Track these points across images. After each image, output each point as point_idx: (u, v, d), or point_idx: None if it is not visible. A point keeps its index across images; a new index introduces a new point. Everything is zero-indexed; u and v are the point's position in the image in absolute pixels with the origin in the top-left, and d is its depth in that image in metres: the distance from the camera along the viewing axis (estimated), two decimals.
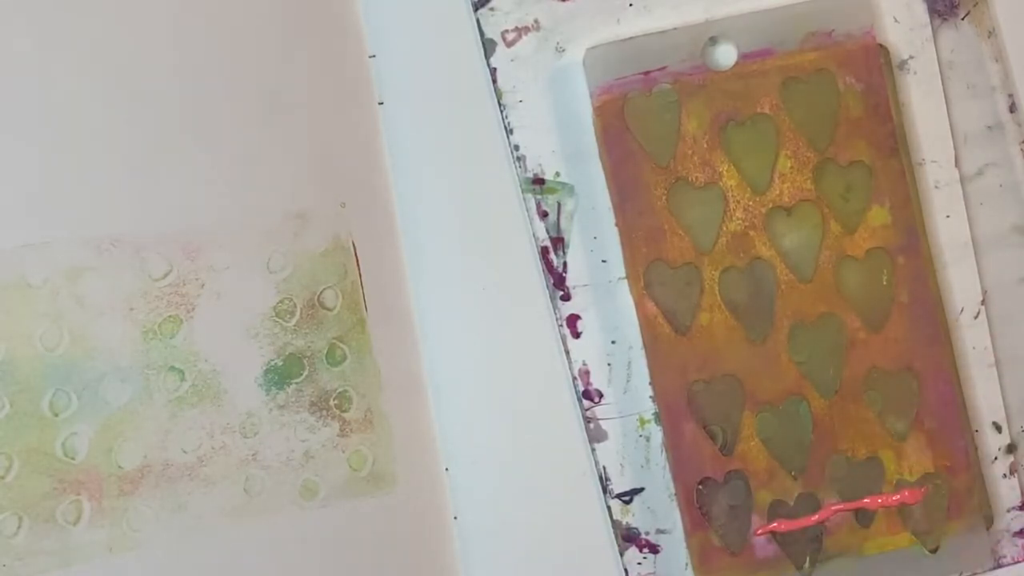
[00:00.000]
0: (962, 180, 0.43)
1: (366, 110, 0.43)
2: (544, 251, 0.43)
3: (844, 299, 0.42)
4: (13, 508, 0.39)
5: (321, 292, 0.42)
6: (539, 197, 0.43)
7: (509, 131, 0.43)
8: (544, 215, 0.43)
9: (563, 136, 0.43)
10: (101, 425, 0.40)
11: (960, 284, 0.43)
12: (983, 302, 0.43)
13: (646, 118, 0.42)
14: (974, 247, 0.43)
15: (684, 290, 0.42)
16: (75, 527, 0.39)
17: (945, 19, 0.43)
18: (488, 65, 0.43)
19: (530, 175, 0.43)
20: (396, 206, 0.43)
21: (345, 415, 0.42)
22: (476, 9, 0.42)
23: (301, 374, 0.41)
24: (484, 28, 0.43)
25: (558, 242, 0.43)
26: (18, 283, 0.39)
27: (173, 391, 0.40)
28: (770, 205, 0.42)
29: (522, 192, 0.43)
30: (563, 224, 0.43)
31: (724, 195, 0.42)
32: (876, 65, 0.42)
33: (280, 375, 0.41)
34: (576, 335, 0.43)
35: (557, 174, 0.43)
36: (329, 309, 0.42)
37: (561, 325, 0.42)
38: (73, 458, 0.39)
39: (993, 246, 0.43)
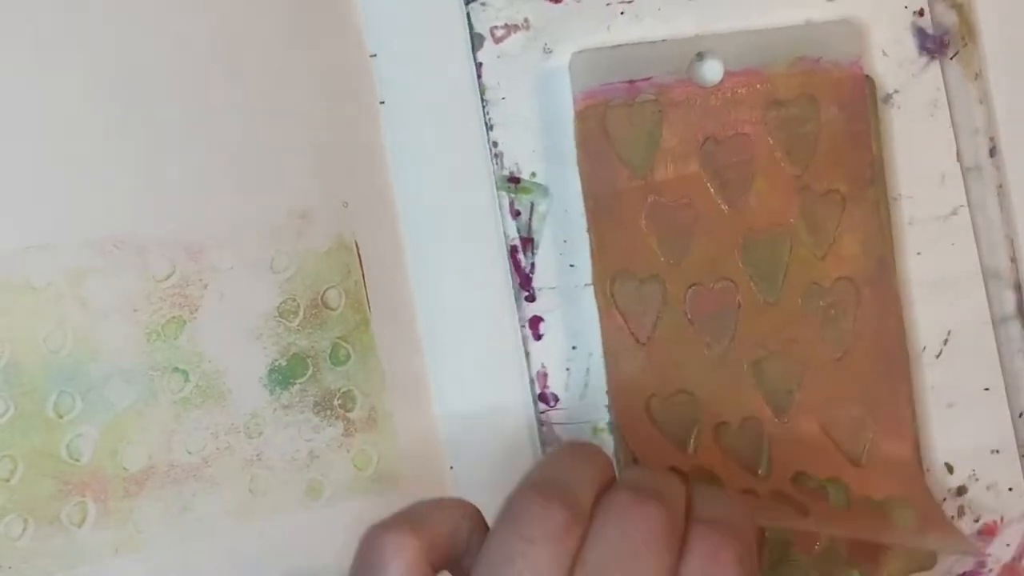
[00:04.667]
0: (936, 219, 0.43)
1: (367, 109, 0.43)
2: (513, 250, 0.43)
3: (807, 325, 0.42)
4: (18, 510, 0.38)
5: (324, 292, 0.42)
6: (513, 196, 0.43)
7: (489, 127, 0.43)
8: (516, 214, 0.43)
9: (543, 137, 0.43)
10: (106, 426, 0.39)
11: (925, 322, 0.43)
12: (946, 342, 0.43)
13: (627, 127, 0.42)
14: (942, 286, 0.43)
15: (648, 302, 0.42)
16: (80, 529, 0.39)
17: (934, 57, 0.43)
18: (474, 59, 0.42)
19: (506, 173, 0.43)
20: (398, 205, 0.43)
21: (349, 415, 0.42)
22: (467, 3, 0.42)
23: (305, 374, 0.42)
24: (474, 22, 0.43)
25: (527, 242, 0.43)
26: (21, 285, 0.39)
27: (177, 392, 0.40)
28: (742, 225, 0.42)
29: (496, 189, 0.43)
30: (534, 225, 0.43)
31: (697, 212, 0.42)
32: (861, 96, 0.42)
33: (284, 375, 0.41)
34: (537, 337, 0.43)
35: (533, 174, 0.43)
36: (332, 309, 0.42)
37: (523, 326, 0.43)
38: (78, 460, 0.39)
39: (961, 287, 0.43)
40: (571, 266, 0.43)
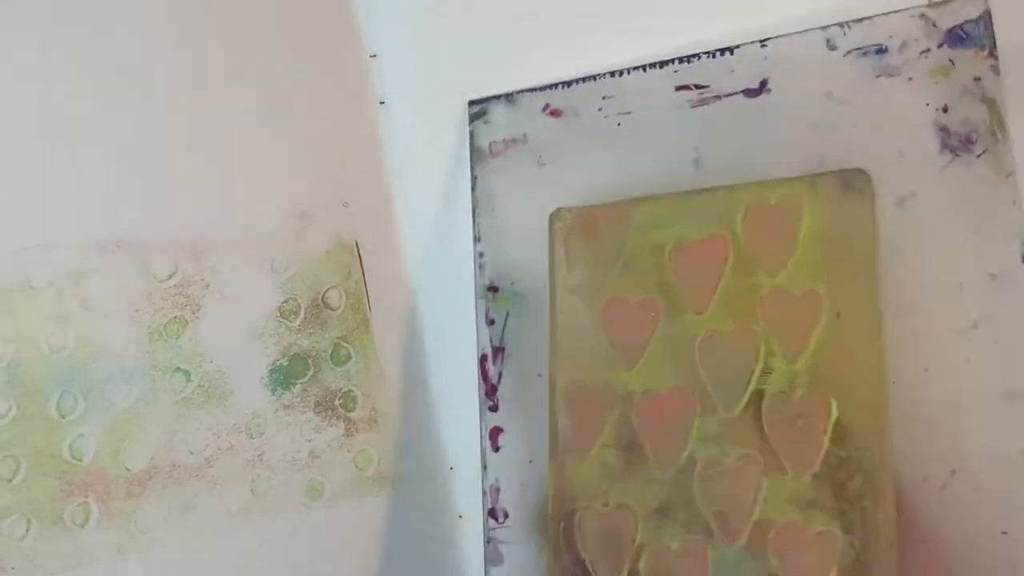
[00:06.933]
0: (950, 332, 0.36)
1: (367, 110, 0.43)
2: (483, 359, 0.42)
3: (768, 442, 0.36)
4: (21, 510, 0.39)
5: (325, 292, 0.42)
6: (489, 304, 0.42)
7: (477, 239, 0.42)
8: (491, 322, 0.42)
9: (526, 247, 0.41)
10: (108, 426, 0.40)
11: (927, 452, 0.36)
12: (953, 473, 0.36)
13: (595, 232, 0.40)
14: (950, 411, 0.36)
15: (597, 408, 0.38)
16: (83, 529, 0.39)
17: (957, 155, 0.37)
18: (472, 173, 0.42)
19: (486, 282, 0.42)
20: (398, 205, 0.43)
21: (350, 415, 0.42)
22: (472, 121, 0.42)
23: (306, 374, 0.42)
24: (476, 137, 0.42)
25: (498, 351, 0.42)
26: (23, 286, 0.39)
27: (179, 392, 0.40)
28: (705, 328, 0.37)
29: (476, 298, 0.42)
30: (507, 334, 0.42)
31: (658, 313, 0.38)
32: (851, 193, 0.37)
33: (285, 375, 0.41)
34: (496, 448, 0.41)
35: (512, 283, 0.42)
36: (333, 309, 0.42)
37: (484, 436, 0.42)
38: (80, 460, 0.39)
39: (974, 412, 0.36)
40: (539, 376, 0.41)
